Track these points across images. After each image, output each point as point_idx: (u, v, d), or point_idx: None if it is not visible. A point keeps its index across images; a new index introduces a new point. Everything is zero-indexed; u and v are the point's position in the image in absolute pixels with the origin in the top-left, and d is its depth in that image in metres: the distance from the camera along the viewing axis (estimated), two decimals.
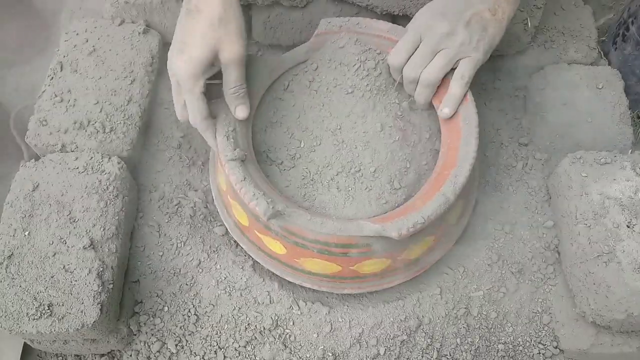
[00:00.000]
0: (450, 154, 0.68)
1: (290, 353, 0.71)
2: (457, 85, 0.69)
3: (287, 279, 0.71)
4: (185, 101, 0.65)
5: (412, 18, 0.84)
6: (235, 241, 0.79)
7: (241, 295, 0.74)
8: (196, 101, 0.64)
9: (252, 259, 0.75)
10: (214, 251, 0.77)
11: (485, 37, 0.68)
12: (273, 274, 0.73)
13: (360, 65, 0.72)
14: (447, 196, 0.64)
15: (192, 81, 0.63)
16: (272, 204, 0.62)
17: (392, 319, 0.72)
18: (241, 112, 0.67)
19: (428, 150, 0.72)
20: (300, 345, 0.71)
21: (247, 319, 0.72)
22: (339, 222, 0.64)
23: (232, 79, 0.64)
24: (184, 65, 0.62)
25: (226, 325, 0.72)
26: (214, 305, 0.73)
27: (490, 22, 0.68)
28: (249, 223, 0.69)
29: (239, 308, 0.73)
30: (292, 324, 0.72)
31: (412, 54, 0.69)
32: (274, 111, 0.73)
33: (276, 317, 0.72)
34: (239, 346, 0.71)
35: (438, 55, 0.68)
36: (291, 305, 0.72)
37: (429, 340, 0.72)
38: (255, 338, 0.72)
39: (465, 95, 0.69)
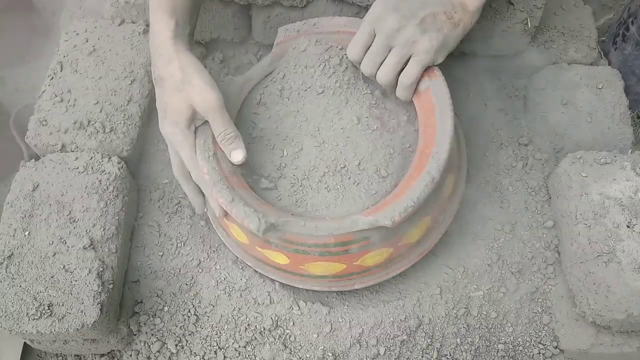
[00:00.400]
0: (429, 131, 0.67)
1: (290, 353, 0.71)
2: (400, 88, 0.68)
3: (297, 286, 0.71)
4: (181, 157, 0.69)
5: None
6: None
7: (241, 295, 0.74)
8: (189, 155, 0.68)
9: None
10: (214, 251, 0.77)
11: (437, 39, 0.66)
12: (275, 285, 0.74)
13: (324, 64, 0.72)
14: (432, 174, 0.64)
15: (182, 138, 0.68)
16: (264, 218, 0.63)
17: (392, 319, 0.72)
18: (236, 156, 0.67)
19: (410, 132, 0.72)
20: (300, 345, 0.71)
21: (247, 319, 0.72)
22: (333, 221, 0.65)
23: (216, 126, 0.67)
24: (170, 128, 0.68)
25: (226, 325, 0.72)
26: (213, 306, 0.73)
27: (445, 25, 0.67)
28: (248, 241, 0.69)
29: (239, 308, 0.73)
30: (292, 324, 0.72)
31: (366, 47, 0.68)
32: (252, 127, 0.74)
33: (276, 318, 0.72)
34: (239, 346, 0.71)
35: (390, 54, 0.67)
36: (291, 306, 0.72)
37: (429, 340, 0.72)
38: (255, 338, 0.72)
39: (432, 71, 0.68)
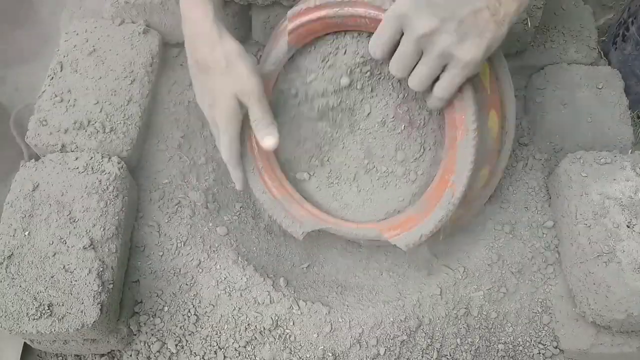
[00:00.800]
0: (451, 152, 0.65)
1: (290, 353, 0.71)
2: (433, 99, 0.60)
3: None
4: (223, 142, 0.69)
5: None
6: (235, 241, 0.79)
7: (241, 295, 0.73)
8: (232, 141, 0.68)
9: (250, 260, 0.76)
10: (214, 251, 0.77)
11: (480, 47, 0.55)
12: (274, 273, 0.74)
13: (349, 70, 0.68)
14: (447, 210, 0.65)
15: (226, 124, 0.67)
16: (301, 229, 0.72)
17: (392, 319, 0.72)
18: (268, 141, 0.66)
19: (437, 127, 0.69)
20: (300, 345, 0.71)
21: (247, 319, 0.72)
22: (360, 230, 0.71)
23: (255, 111, 0.66)
24: (219, 114, 0.67)
25: (226, 325, 0.72)
26: (214, 306, 0.73)
27: (488, 25, 0.55)
28: None
29: (239, 308, 0.73)
30: (292, 324, 0.72)
31: (392, 45, 0.58)
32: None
33: (276, 317, 0.72)
34: (239, 346, 0.71)
35: (423, 62, 0.57)
36: (291, 305, 0.72)
37: (429, 341, 0.72)
38: (255, 338, 0.72)
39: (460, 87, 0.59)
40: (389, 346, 0.71)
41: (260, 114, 0.66)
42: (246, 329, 0.72)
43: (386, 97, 0.69)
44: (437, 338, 0.73)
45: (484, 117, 0.65)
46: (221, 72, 0.66)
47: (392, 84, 0.68)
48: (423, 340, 0.72)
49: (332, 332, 0.71)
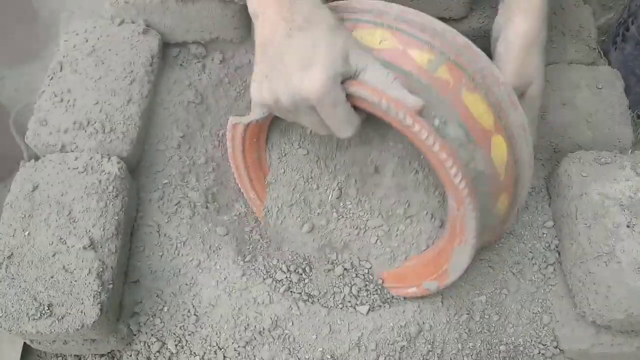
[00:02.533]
0: (449, 248, 0.65)
1: (290, 354, 0.71)
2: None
3: None
4: (332, 119, 0.55)
5: None
6: (235, 239, 0.79)
7: (241, 295, 0.73)
8: (345, 110, 0.54)
9: (252, 259, 0.75)
10: (213, 251, 0.77)
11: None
12: (274, 273, 0.74)
13: None
14: (435, 288, 0.68)
15: (334, 91, 0.53)
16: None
17: (391, 324, 0.72)
18: (417, 98, 0.54)
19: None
20: (300, 346, 0.71)
21: (247, 319, 0.72)
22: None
23: (381, 70, 0.54)
24: (318, 77, 0.52)
25: (226, 325, 0.72)
26: (213, 306, 0.73)
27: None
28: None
29: (239, 308, 0.73)
30: (291, 324, 0.72)
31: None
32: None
33: (275, 318, 0.72)
34: (239, 346, 0.71)
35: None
36: (290, 306, 0.72)
37: (429, 347, 0.72)
38: (255, 338, 0.71)
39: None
40: (388, 352, 0.71)
41: (390, 74, 0.54)
42: (246, 329, 0.72)
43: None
44: (437, 344, 0.72)
45: (492, 201, 0.60)
46: (329, 27, 0.54)
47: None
48: (423, 346, 0.72)
49: (331, 334, 0.71)
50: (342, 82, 0.54)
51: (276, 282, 0.75)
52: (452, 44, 0.57)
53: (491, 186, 0.58)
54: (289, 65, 0.54)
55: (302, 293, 0.74)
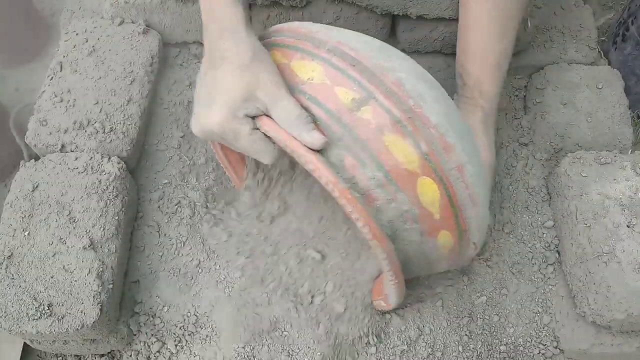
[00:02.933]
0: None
1: (288, 356, 0.71)
2: None
3: None
4: (242, 149, 0.57)
5: (411, 18, 0.85)
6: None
7: (240, 295, 0.73)
8: (250, 142, 0.56)
9: (252, 260, 0.75)
10: (213, 251, 0.77)
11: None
12: (274, 279, 0.74)
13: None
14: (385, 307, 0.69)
15: (234, 123, 0.55)
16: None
17: (391, 329, 0.72)
18: (318, 137, 0.53)
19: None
20: (299, 348, 0.71)
21: (246, 319, 0.72)
22: None
23: (290, 108, 0.55)
24: (217, 114, 0.56)
25: (225, 325, 0.72)
26: (213, 306, 0.73)
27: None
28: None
29: (238, 309, 0.73)
30: (289, 326, 0.72)
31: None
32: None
33: (274, 319, 0.72)
34: (238, 347, 0.71)
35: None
36: (289, 308, 0.72)
37: (429, 350, 0.72)
38: (254, 339, 0.71)
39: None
40: (388, 356, 0.71)
41: (297, 109, 0.54)
42: (245, 329, 0.72)
43: None
44: (438, 347, 0.72)
45: (430, 238, 0.59)
46: (240, 64, 0.56)
47: None
48: (424, 349, 0.72)
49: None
50: (255, 117, 0.56)
51: (274, 282, 0.75)
52: (381, 82, 0.55)
53: (423, 224, 0.57)
54: (200, 101, 0.58)
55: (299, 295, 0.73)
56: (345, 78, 0.55)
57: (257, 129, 0.56)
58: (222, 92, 0.56)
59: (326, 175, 0.52)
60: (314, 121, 0.55)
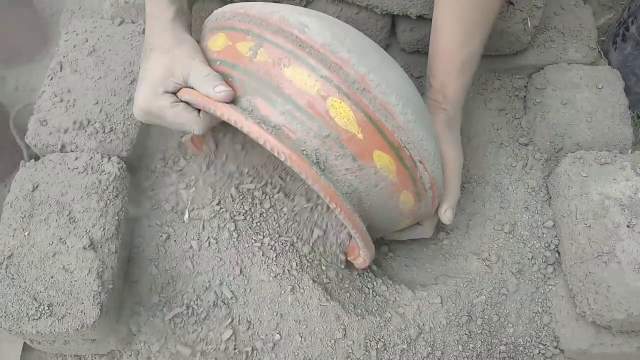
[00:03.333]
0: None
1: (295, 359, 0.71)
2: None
3: None
4: (168, 123, 0.63)
5: (411, 18, 0.85)
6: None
7: (242, 295, 0.73)
8: (173, 115, 0.61)
9: (253, 260, 0.75)
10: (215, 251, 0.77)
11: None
12: (276, 276, 0.74)
13: None
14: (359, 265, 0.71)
15: (155, 100, 0.61)
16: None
17: (392, 328, 0.72)
18: (221, 87, 0.58)
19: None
20: (305, 351, 0.71)
21: (249, 320, 0.72)
22: None
23: (199, 71, 0.60)
24: (141, 94, 0.62)
25: (227, 325, 0.72)
26: (214, 306, 0.73)
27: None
28: None
29: (239, 309, 0.73)
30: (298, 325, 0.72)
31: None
32: None
33: (276, 320, 0.72)
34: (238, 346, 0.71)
35: None
36: (292, 308, 0.72)
37: (429, 349, 0.72)
38: (257, 341, 0.71)
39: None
40: (388, 355, 0.71)
41: (207, 70, 0.60)
42: (247, 329, 0.72)
43: None
44: (438, 346, 0.72)
45: (367, 162, 0.59)
46: (161, 50, 0.63)
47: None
48: (424, 348, 0.72)
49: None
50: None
51: (281, 284, 0.75)
52: (268, 24, 0.59)
53: (350, 147, 0.57)
54: (136, 86, 0.64)
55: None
56: (241, 34, 0.61)
57: (179, 102, 0.61)
58: (145, 76, 0.63)
59: (234, 116, 0.56)
60: (226, 79, 0.60)
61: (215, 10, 0.67)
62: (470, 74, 0.73)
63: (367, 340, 0.71)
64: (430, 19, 0.84)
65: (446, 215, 0.70)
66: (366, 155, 0.58)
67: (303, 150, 0.57)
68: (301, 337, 0.71)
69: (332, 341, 0.71)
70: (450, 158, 0.70)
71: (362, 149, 0.58)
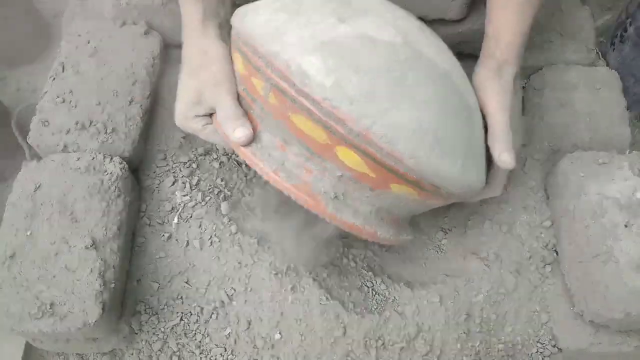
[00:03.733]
0: None
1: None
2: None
3: None
4: (206, 139, 0.66)
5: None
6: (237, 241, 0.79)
7: (243, 295, 0.74)
8: (206, 135, 0.65)
9: (254, 260, 0.76)
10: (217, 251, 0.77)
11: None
12: (277, 274, 0.74)
13: None
14: None
15: (187, 123, 0.65)
16: None
17: (391, 326, 0.72)
18: (240, 132, 0.59)
19: None
20: (305, 350, 0.71)
21: (249, 319, 0.73)
22: None
23: (224, 107, 0.61)
24: (177, 115, 0.66)
25: (227, 324, 0.73)
26: (215, 305, 0.74)
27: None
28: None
29: (240, 308, 0.73)
30: (296, 325, 0.72)
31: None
32: None
33: (276, 320, 0.72)
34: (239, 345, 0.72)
35: None
36: (292, 306, 0.72)
37: (428, 348, 0.72)
38: (258, 338, 0.72)
39: None
40: (387, 354, 0.71)
41: (229, 109, 0.61)
42: (247, 328, 0.72)
43: None
44: (436, 345, 0.73)
45: (382, 189, 0.60)
46: (189, 69, 0.64)
47: None
48: (422, 347, 0.72)
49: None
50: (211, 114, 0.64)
51: (282, 282, 0.75)
52: (273, 67, 0.56)
53: (366, 182, 0.58)
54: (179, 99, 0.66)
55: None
56: (254, 69, 0.59)
57: (209, 123, 0.64)
58: (179, 96, 0.65)
59: (250, 160, 0.59)
60: (248, 111, 0.61)
61: (234, 14, 0.64)
62: (529, 15, 0.68)
63: (367, 339, 0.71)
64: (430, 20, 0.85)
65: (501, 159, 0.63)
66: (383, 186, 0.59)
67: (321, 187, 0.58)
68: (301, 335, 0.72)
69: (332, 340, 0.71)
70: (495, 107, 0.65)
71: (377, 184, 0.58)
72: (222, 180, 0.81)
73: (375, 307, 0.74)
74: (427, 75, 0.59)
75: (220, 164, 0.83)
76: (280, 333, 0.72)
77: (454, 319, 0.74)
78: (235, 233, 0.76)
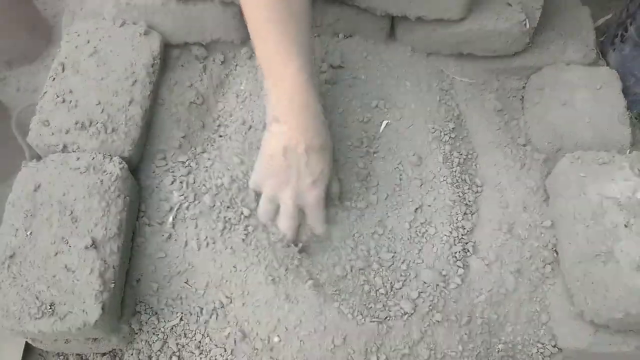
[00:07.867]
0: None
1: None
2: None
3: None
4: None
5: (410, 20, 0.85)
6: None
7: (242, 296, 0.74)
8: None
9: (252, 261, 0.76)
10: (217, 252, 0.77)
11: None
12: (274, 277, 0.74)
13: None
14: None
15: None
16: None
17: (394, 333, 0.72)
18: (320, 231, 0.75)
19: None
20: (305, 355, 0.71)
21: (248, 320, 0.72)
22: None
23: (316, 215, 0.74)
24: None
25: (227, 324, 0.73)
26: (215, 305, 0.74)
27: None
28: None
29: (239, 309, 0.73)
30: (292, 330, 0.72)
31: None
32: None
33: (276, 322, 0.72)
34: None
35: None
36: (289, 314, 0.72)
37: (430, 352, 0.72)
38: (258, 340, 0.72)
39: None
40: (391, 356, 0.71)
41: (322, 216, 0.74)
42: (245, 330, 0.72)
43: None
44: (439, 348, 0.72)
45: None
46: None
47: None
48: (425, 352, 0.72)
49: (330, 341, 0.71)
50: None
51: (281, 286, 0.75)
52: None
53: None
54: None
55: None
56: None
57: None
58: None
59: None
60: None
61: None
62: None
63: (367, 347, 0.71)
64: (429, 21, 0.85)
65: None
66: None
67: None
68: (300, 341, 0.71)
69: (332, 346, 0.71)
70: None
71: None
72: (217, 178, 0.81)
73: (376, 312, 0.74)
74: None
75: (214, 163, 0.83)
76: (278, 337, 0.72)
77: (455, 321, 0.74)
78: (233, 235, 0.76)
